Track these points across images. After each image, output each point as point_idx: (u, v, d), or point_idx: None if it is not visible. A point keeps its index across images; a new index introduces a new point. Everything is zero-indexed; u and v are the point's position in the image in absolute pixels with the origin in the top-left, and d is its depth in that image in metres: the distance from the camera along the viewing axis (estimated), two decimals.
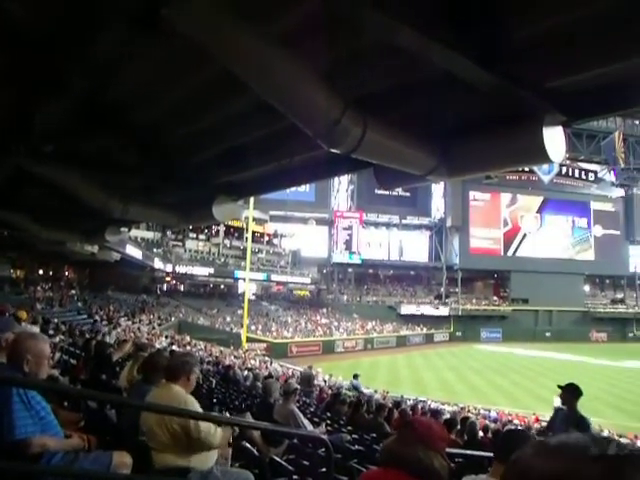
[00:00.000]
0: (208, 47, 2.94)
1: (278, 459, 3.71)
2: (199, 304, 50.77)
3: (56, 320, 20.75)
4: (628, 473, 0.72)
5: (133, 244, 37.29)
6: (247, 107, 4.38)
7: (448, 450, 4.31)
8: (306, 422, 6.46)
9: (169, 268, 48.98)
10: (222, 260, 55.18)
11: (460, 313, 65.90)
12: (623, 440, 18.14)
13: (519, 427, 17.06)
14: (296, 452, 3.82)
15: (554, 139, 3.35)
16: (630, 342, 67.93)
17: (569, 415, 6.28)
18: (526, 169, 65.90)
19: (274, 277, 58.92)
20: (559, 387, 6.53)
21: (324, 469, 3.33)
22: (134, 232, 40.35)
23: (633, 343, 66.83)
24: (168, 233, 50.99)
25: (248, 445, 3.79)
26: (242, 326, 43.30)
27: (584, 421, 6.12)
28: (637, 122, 79.49)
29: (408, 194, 69.34)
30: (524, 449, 0.83)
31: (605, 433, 19.75)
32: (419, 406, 16.36)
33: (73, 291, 37.06)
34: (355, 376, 21.56)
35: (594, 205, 75.27)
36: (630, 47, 2.75)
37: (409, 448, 1.92)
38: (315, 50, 3.11)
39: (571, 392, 6.39)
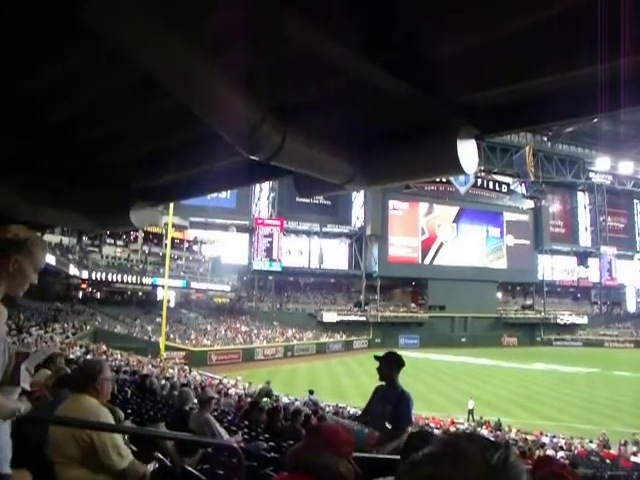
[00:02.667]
0: (126, 48, 2.86)
1: (191, 469, 3.64)
2: (116, 312, 49.19)
3: None
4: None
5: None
6: (167, 111, 4.29)
7: (362, 454, 4.35)
8: (222, 431, 6.38)
9: (85, 275, 47.21)
10: (140, 267, 53.75)
11: (379, 320, 66.92)
12: (529, 437, 19.16)
13: (428, 429, 17.51)
14: (210, 461, 3.76)
15: (468, 151, 3.46)
16: (538, 346, 71.96)
17: (388, 391, 5.15)
18: (443, 180, 67.96)
19: (194, 284, 57.95)
20: (376, 358, 5.33)
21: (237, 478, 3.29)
22: (47, 237, 38.76)
23: (540, 347, 70.80)
24: (84, 238, 49.26)
25: (161, 456, 3.70)
26: (161, 334, 42.31)
27: (404, 397, 5.04)
28: (545, 139, 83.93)
29: (329, 202, 70.03)
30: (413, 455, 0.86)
31: (513, 432, 20.71)
32: (340, 412, 16.47)
33: None
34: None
35: (506, 216, 78.59)
36: (539, 67, 2.88)
37: (316, 453, 1.93)
38: (236, 56, 3.08)
39: (389, 363, 5.22)
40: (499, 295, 79.42)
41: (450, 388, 35.20)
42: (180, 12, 2.81)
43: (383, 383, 5.19)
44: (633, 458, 16.73)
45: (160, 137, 5.19)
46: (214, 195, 55.25)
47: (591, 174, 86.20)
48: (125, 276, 50.70)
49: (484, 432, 20.80)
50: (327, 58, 2.97)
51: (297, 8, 2.61)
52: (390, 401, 4.95)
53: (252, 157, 3.49)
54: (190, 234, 59.47)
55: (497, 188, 77.75)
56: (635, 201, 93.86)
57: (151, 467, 3.53)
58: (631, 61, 2.41)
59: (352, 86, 3.35)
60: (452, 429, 21.05)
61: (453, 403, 29.18)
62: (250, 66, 3.26)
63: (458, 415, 25.62)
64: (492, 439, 0.87)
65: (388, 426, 4.70)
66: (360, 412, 5.53)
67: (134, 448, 3.61)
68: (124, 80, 3.97)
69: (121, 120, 4.91)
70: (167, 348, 41.95)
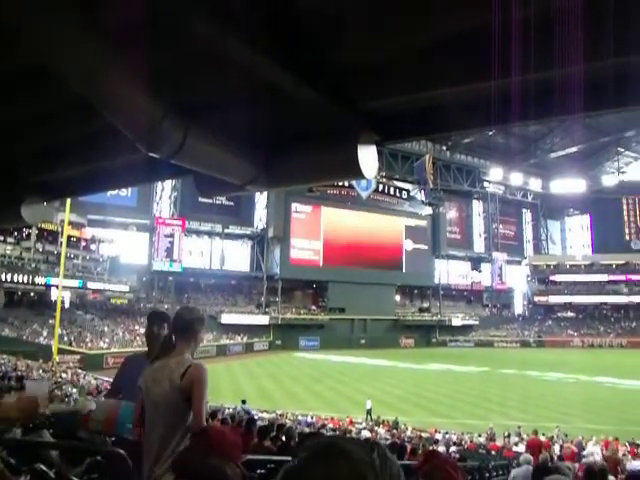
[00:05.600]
0: (20, 31, 2.71)
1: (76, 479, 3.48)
2: (4, 313, 46.22)
3: None
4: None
5: None
6: (63, 102, 4.10)
7: (259, 457, 4.35)
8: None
9: None
10: (33, 265, 50.91)
11: (280, 322, 67.21)
12: (424, 435, 19.86)
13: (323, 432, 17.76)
14: (98, 470, 3.58)
15: (368, 156, 3.51)
16: (433, 347, 75.00)
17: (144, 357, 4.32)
18: (346, 184, 69.08)
19: (90, 284, 55.61)
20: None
21: None
22: None
23: (435, 348, 73.78)
24: None
25: (43, 467, 3.49)
26: (53, 337, 40.32)
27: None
28: (444, 148, 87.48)
29: (232, 203, 69.55)
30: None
31: (409, 430, 21.35)
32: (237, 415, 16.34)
33: None
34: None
35: (406, 221, 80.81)
36: (438, 79, 2.99)
37: (202, 457, 1.89)
38: (138, 50, 2.99)
39: (158, 317, 4.59)
40: (397, 298, 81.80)
41: (349, 389, 35.81)
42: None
43: (138, 350, 4.59)
44: (515, 448, 17.84)
45: (56, 130, 4.96)
46: (114, 192, 53.54)
47: (485, 184, 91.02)
48: (16, 275, 47.74)
49: (381, 431, 21.30)
50: (230, 57, 2.95)
51: (200, 4, 2.58)
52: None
53: (152, 154, 3.41)
54: (88, 232, 56.96)
55: (398, 194, 79.95)
56: (523, 210, 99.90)
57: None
58: (518, 80, 2.55)
59: (255, 86, 3.34)
60: (350, 428, 21.43)
61: (352, 403, 29.68)
62: (153, 62, 3.18)
63: (357, 415, 26.09)
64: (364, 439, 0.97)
65: None
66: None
67: (12, 460, 3.40)
68: (15, 67, 3.77)
69: (13, 110, 4.66)
70: (60, 351, 40.06)
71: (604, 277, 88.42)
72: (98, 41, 2.85)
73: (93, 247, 57.85)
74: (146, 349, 4.58)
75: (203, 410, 3.30)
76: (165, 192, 68.15)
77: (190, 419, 3.26)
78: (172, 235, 64.62)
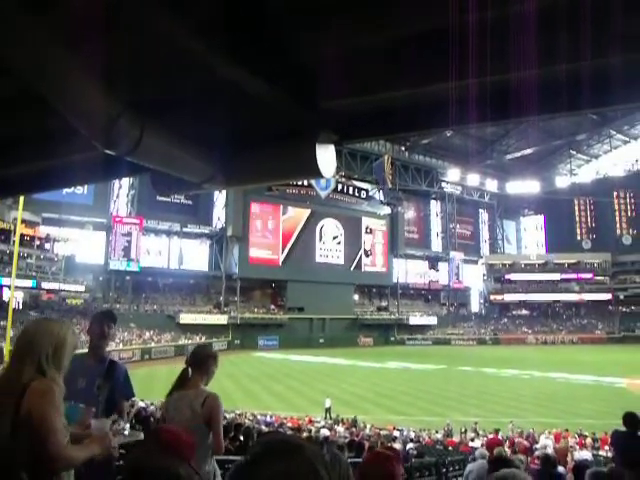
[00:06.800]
0: None
1: None
2: None
3: None
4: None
5: None
6: (16, 96, 3.98)
7: (216, 457, 4.32)
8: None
9: None
10: None
11: (238, 322, 66.76)
12: (383, 432, 19.99)
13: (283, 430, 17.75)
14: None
15: (326, 155, 3.52)
16: (391, 345, 75.80)
17: (89, 362, 4.37)
18: (305, 183, 69.12)
19: (45, 285, 54.28)
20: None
21: None
22: None
23: (394, 346, 74.51)
24: None
25: None
26: (5, 339, 39.20)
27: (118, 367, 4.59)
28: (403, 148, 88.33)
29: (190, 202, 68.74)
30: None
31: (368, 428, 21.46)
32: None
33: None
34: None
35: (365, 221, 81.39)
36: (396, 80, 3.01)
37: (155, 457, 1.85)
38: (94, 45, 2.93)
39: (108, 316, 4.69)
40: (356, 297, 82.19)
41: (308, 388, 35.83)
42: None
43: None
44: (471, 443, 18.22)
45: (9, 123, 4.82)
46: (70, 190, 52.40)
47: (443, 184, 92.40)
48: None
49: (340, 429, 21.38)
50: (185, 52, 2.92)
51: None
52: (98, 373, 4.22)
53: (108, 152, 3.35)
54: (42, 231, 55.58)
55: (357, 194, 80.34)
56: (480, 210, 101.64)
57: None
58: (476, 82, 2.60)
59: (213, 83, 3.32)
60: (309, 427, 21.44)
61: (312, 403, 29.69)
62: (110, 58, 3.13)
63: (316, 414, 26.12)
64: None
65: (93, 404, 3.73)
66: None
67: None
68: None
69: None
70: None
71: (557, 276, 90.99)
72: (50, 38, 2.79)
73: (48, 246, 56.41)
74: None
75: (222, 432, 4.09)
76: (122, 190, 66.99)
77: (210, 440, 3.99)
78: (129, 234, 63.51)
